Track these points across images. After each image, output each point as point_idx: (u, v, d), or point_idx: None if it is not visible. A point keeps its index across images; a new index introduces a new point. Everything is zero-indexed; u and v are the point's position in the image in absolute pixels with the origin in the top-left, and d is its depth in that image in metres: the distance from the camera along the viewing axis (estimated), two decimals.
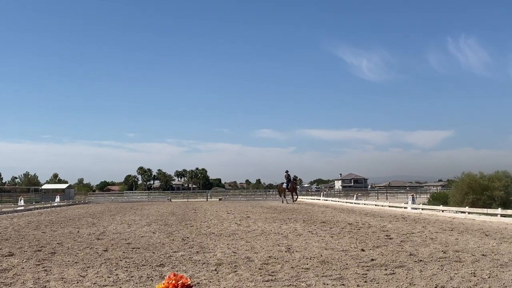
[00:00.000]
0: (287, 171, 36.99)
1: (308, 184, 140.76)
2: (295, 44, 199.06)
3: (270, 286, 6.22)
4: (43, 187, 66.13)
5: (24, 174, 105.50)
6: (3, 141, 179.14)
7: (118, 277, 6.87)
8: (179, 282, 2.74)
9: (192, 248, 9.98)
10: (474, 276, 6.70)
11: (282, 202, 35.86)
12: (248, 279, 6.66)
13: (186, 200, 50.78)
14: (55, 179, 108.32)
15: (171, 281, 2.74)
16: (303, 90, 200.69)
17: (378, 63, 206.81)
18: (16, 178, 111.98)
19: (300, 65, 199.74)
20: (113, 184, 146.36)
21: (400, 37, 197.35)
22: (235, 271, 7.21)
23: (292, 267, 7.51)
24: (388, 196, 55.76)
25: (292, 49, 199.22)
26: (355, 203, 31.74)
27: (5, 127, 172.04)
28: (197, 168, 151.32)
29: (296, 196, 36.87)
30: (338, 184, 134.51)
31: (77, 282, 6.60)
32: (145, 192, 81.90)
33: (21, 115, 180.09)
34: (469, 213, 19.11)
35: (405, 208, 24.94)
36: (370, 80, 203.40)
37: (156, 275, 6.98)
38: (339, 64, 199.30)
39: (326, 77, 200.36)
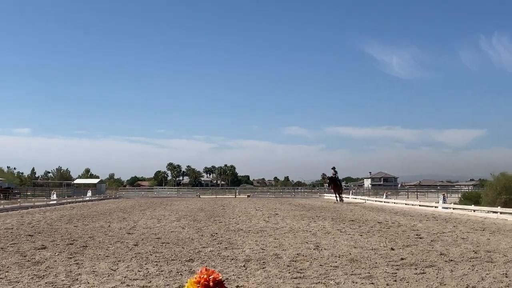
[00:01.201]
0: (333, 168, 34.20)
1: None
2: (325, 42, 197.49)
3: (299, 283, 6.23)
4: (75, 181, 67.19)
5: (56, 168, 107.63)
6: (37, 136, 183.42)
7: (148, 271, 6.97)
8: (210, 277, 2.77)
9: (220, 244, 10.05)
10: (506, 277, 6.58)
11: (339, 201, 33.38)
12: (276, 275, 6.68)
13: (215, 196, 51.00)
14: (87, 174, 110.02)
15: (202, 275, 2.77)
16: (332, 87, 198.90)
17: (409, 60, 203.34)
18: (49, 172, 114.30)
19: (329, 62, 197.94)
20: (143, 179, 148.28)
21: (431, 34, 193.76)
22: (263, 268, 7.24)
23: (320, 265, 7.50)
24: (418, 195, 55.01)
25: (321, 47, 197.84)
26: (384, 202, 31.46)
27: (40, 122, 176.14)
28: (225, 165, 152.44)
29: (340, 196, 33.92)
30: (367, 183, 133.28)
31: (108, 275, 6.72)
32: (175, 188, 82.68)
33: (55, 110, 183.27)
34: (501, 213, 18.71)
35: (435, 207, 24.61)
36: (401, 77, 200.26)
37: (185, 270, 7.06)
38: (370, 61, 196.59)
39: (356, 74, 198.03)
